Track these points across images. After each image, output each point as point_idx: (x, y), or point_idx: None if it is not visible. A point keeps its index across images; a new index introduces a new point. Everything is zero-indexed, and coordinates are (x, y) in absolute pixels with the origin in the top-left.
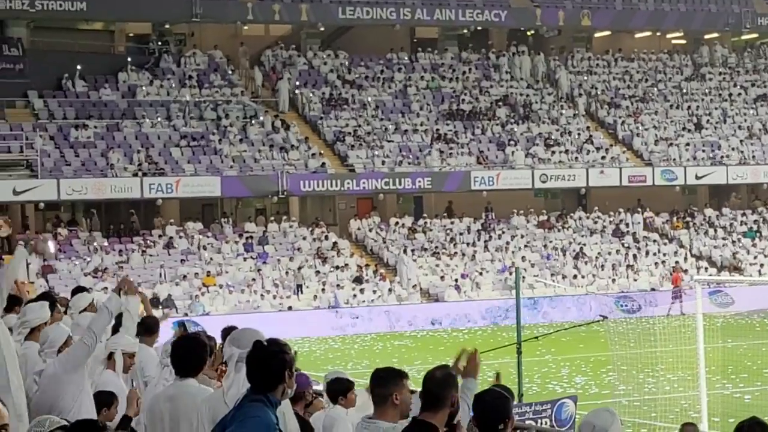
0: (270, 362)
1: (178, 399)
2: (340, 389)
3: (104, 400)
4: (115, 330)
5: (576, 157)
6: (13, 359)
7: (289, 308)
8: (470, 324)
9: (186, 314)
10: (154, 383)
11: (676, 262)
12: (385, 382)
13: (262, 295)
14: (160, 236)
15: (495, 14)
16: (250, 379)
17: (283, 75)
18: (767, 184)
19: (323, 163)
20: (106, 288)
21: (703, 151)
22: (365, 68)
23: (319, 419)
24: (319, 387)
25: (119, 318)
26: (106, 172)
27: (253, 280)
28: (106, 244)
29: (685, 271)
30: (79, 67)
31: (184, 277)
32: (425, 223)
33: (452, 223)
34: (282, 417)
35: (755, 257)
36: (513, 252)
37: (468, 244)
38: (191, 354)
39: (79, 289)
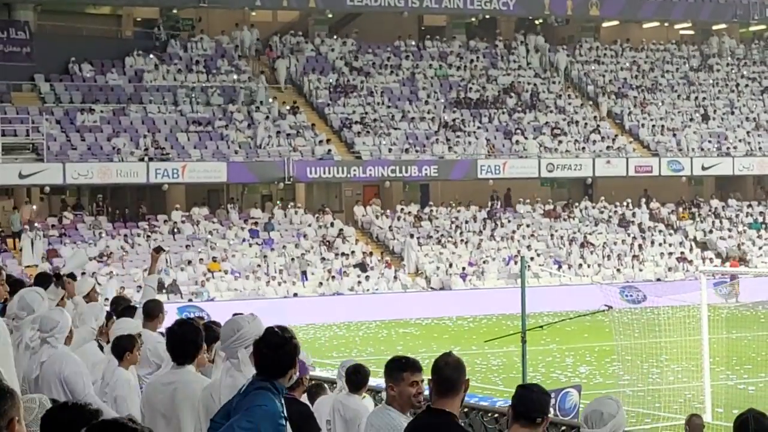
0: (283, 348)
1: (176, 387)
2: (365, 379)
3: (125, 344)
4: (119, 315)
5: (583, 147)
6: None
7: (295, 295)
8: (475, 312)
9: (190, 300)
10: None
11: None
12: (387, 373)
13: (267, 281)
14: (165, 221)
15: (503, 3)
16: (259, 366)
17: (283, 53)
18: None
19: (329, 150)
20: (111, 273)
21: (710, 141)
22: (373, 55)
23: (328, 405)
24: (315, 373)
25: (123, 307)
26: (112, 156)
27: (259, 266)
28: (111, 228)
29: (690, 261)
30: (86, 51)
31: (189, 262)
32: (431, 211)
33: (458, 211)
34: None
35: (760, 248)
36: (519, 241)
37: (474, 232)
38: (186, 340)
39: (44, 276)
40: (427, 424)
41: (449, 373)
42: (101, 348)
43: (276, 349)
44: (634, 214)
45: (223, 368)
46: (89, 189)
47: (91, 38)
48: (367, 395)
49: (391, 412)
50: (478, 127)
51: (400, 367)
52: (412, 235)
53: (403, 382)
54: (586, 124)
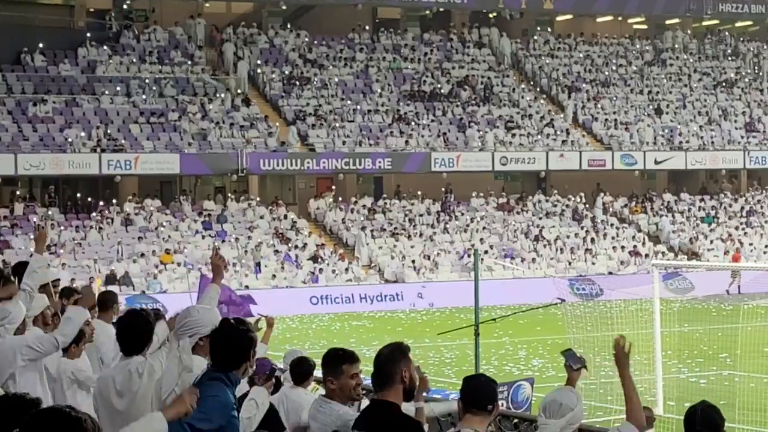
0: (239, 341)
1: (131, 371)
2: (309, 371)
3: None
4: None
5: (536, 140)
6: None
7: (247, 287)
8: (429, 305)
9: (143, 292)
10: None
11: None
12: (326, 366)
13: None
14: (118, 213)
15: None
16: (214, 357)
17: (230, 37)
18: (725, 170)
19: (283, 142)
20: (64, 264)
21: (663, 136)
22: (327, 48)
23: (276, 398)
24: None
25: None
26: (64, 147)
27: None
28: (63, 219)
29: (646, 255)
30: (38, 41)
31: (142, 254)
32: (385, 203)
33: (412, 204)
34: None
35: (712, 242)
36: (472, 234)
37: (427, 225)
38: (136, 330)
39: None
40: (370, 417)
41: (381, 364)
42: None
43: (232, 342)
44: (586, 208)
45: (171, 356)
46: (41, 180)
47: (44, 28)
48: (321, 387)
49: (334, 405)
50: (432, 120)
51: (338, 360)
52: (363, 228)
53: (342, 375)
54: (540, 117)
